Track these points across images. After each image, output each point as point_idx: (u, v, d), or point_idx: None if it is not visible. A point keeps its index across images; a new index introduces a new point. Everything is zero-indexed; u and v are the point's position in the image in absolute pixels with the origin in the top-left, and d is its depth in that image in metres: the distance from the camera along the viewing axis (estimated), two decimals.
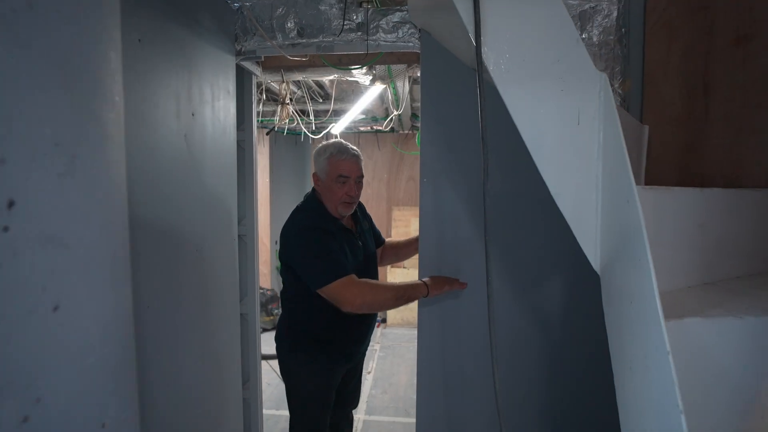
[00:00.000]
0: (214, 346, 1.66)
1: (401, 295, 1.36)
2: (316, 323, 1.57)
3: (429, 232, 1.47)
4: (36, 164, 0.43)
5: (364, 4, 1.66)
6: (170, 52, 1.31)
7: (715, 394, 0.68)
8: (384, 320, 4.65)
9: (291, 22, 1.69)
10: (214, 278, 1.64)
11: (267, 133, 4.33)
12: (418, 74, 2.01)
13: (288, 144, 5.18)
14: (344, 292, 1.35)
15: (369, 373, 3.48)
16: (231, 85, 1.72)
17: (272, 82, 2.76)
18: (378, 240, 1.83)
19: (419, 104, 3.53)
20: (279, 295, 1.71)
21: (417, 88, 3.15)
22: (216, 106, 1.59)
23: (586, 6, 1.50)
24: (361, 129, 4.81)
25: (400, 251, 1.88)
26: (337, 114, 3.73)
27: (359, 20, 1.66)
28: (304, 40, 1.70)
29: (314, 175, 1.57)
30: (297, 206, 1.59)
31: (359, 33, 1.67)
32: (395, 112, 3.42)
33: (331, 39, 1.68)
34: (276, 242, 4.92)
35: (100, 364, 0.53)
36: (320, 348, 1.59)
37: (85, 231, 0.51)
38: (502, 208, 1.41)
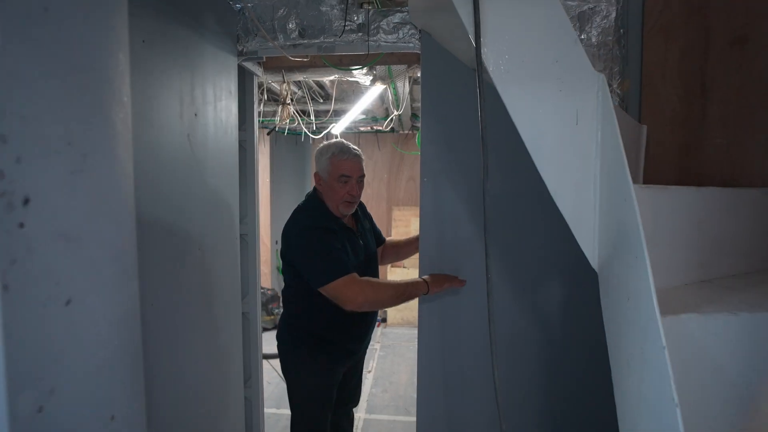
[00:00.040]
0: (216, 345, 1.68)
1: (402, 292, 1.38)
2: (317, 321, 1.58)
3: (429, 231, 1.48)
4: (50, 162, 0.45)
5: (365, 5, 1.67)
6: (173, 53, 1.32)
7: (711, 388, 0.70)
8: (384, 320, 4.67)
9: (292, 23, 1.70)
10: (216, 277, 1.65)
11: (268, 133, 4.34)
12: (419, 74, 2.03)
13: (288, 144, 5.19)
14: (346, 291, 1.37)
15: (369, 372, 3.49)
16: (233, 86, 1.73)
17: (273, 82, 2.77)
18: (379, 239, 1.84)
19: (419, 104, 3.54)
20: (280, 293, 1.72)
21: (417, 88, 3.16)
22: (218, 106, 1.60)
23: (585, 7, 1.52)
24: (362, 129, 4.82)
25: (401, 250, 1.90)
26: (338, 114, 3.75)
27: (360, 21, 1.68)
28: (305, 41, 1.71)
29: (316, 174, 1.58)
30: (298, 205, 1.60)
31: (360, 34, 1.69)
32: (395, 113, 3.43)
33: (332, 40, 1.69)
34: (276, 242, 4.94)
35: (109, 357, 0.55)
36: (321, 346, 1.60)
37: (95, 227, 0.52)
38: (502, 207, 1.42)
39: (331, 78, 2.63)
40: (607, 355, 0.81)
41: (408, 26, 1.66)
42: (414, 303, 1.45)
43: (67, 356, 0.48)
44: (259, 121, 2.12)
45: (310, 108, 3.36)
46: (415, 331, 1.51)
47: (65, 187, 0.47)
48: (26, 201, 0.42)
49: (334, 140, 1.59)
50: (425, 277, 1.40)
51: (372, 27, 1.66)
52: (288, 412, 1.70)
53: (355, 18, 1.67)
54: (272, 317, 4.36)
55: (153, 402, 1.24)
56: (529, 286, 1.47)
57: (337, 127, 4.11)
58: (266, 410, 2.47)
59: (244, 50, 1.77)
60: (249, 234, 1.99)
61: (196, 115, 1.44)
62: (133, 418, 0.60)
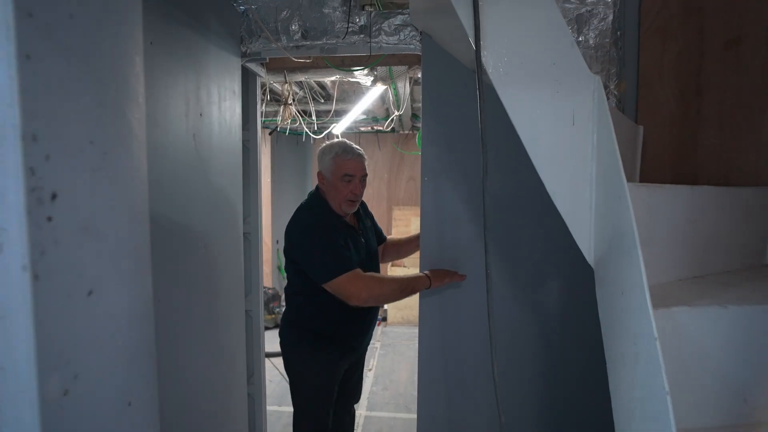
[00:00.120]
0: (220, 342, 1.70)
1: (405, 287, 1.40)
2: (320, 318, 1.61)
3: (430, 230, 1.51)
4: (74, 160, 0.48)
5: (367, 7, 1.70)
6: (179, 54, 1.35)
7: (701, 378, 0.73)
8: (384, 319, 4.69)
9: (295, 25, 1.73)
10: (220, 275, 1.68)
11: (270, 133, 4.37)
12: (419, 75, 2.06)
13: (289, 144, 5.22)
14: (350, 286, 1.39)
15: (370, 370, 3.52)
16: (237, 86, 1.76)
17: (275, 82, 2.80)
18: (380, 237, 1.87)
19: (420, 105, 3.57)
20: (283, 290, 1.74)
21: (418, 88, 3.19)
22: (222, 106, 1.63)
23: (583, 9, 1.55)
24: (362, 129, 4.85)
25: (402, 248, 1.93)
26: (339, 114, 3.77)
27: (362, 23, 1.71)
28: (308, 42, 1.74)
29: (319, 173, 1.61)
30: (301, 204, 1.63)
31: (362, 35, 1.71)
32: (396, 113, 3.46)
33: (334, 41, 1.72)
34: (277, 241, 4.96)
35: (126, 347, 0.57)
36: (323, 342, 1.63)
37: (114, 222, 0.55)
38: (502, 206, 1.45)
39: (333, 78, 2.66)
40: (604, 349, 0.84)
41: (409, 28, 1.69)
42: (414, 302, 1.48)
43: (89, 344, 0.51)
44: (261, 121, 2.15)
45: (312, 108, 3.39)
46: (415, 330, 1.54)
47: (88, 183, 0.50)
48: (54, 196, 0.45)
49: (337, 140, 1.62)
50: (426, 271, 1.43)
51: (374, 29, 1.69)
52: (290, 409, 1.72)
53: (357, 20, 1.70)
54: (273, 316, 4.39)
55: (160, 396, 1.26)
56: (529, 283, 1.50)
57: (338, 127, 4.13)
58: (268, 408, 2.50)
59: (248, 51, 1.79)
60: (252, 233, 2.02)
61: (201, 115, 1.46)
62: (147, 405, 0.63)
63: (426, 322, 1.54)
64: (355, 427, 2.29)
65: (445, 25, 1.28)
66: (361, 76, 2.37)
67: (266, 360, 3.04)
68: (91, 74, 0.51)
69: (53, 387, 0.45)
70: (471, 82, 1.13)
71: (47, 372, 0.44)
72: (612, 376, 0.78)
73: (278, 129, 4.18)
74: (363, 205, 1.77)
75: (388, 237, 1.95)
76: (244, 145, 1.93)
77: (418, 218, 1.53)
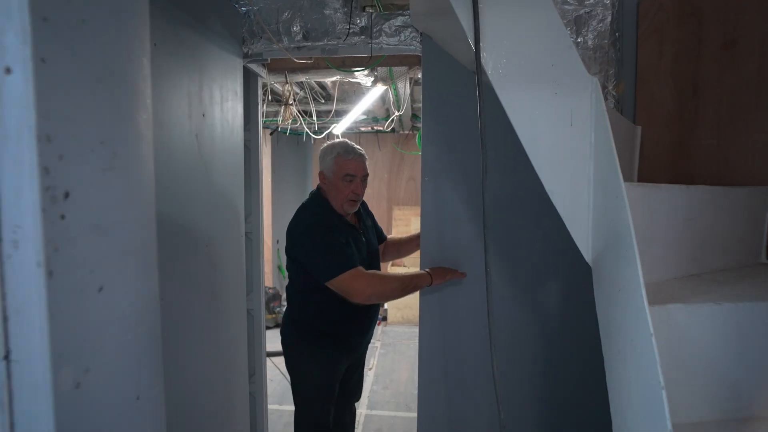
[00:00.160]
0: (221, 341, 1.72)
1: (407, 284, 1.42)
2: (321, 316, 1.62)
3: (430, 229, 1.52)
4: (86, 160, 0.49)
5: (367, 9, 1.71)
6: (183, 55, 1.36)
7: (696, 374, 0.74)
8: (384, 318, 4.71)
9: (297, 26, 1.74)
10: (222, 274, 1.69)
11: (271, 133, 4.38)
12: (419, 75, 2.07)
13: (290, 144, 5.24)
14: (353, 283, 1.41)
15: (370, 369, 3.53)
16: (238, 87, 1.77)
17: (276, 83, 2.81)
18: (380, 236, 1.88)
19: (420, 105, 3.59)
20: (285, 289, 1.76)
21: (418, 89, 3.21)
22: (225, 107, 1.64)
23: (582, 11, 1.56)
24: (362, 129, 4.86)
25: (402, 248, 1.94)
26: (339, 114, 3.79)
27: (363, 24, 1.72)
28: (309, 43, 1.76)
29: (320, 173, 1.62)
30: (302, 204, 1.64)
31: (362, 36, 1.73)
32: (396, 113, 3.48)
33: (335, 42, 1.74)
34: (278, 241, 4.98)
35: (134, 342, 0.59)
36: (325, 341, 1.64)
37: (123, 220, 0.56)
38: (502, 205, 1.46)
39: (333, 79, 2.67)
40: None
41: (409, 29, 1.70)
42: (414, 302, 1.50)
43: (100, 339, 0.52)
44: (262, 121, 2.16)
45: (312, 108, 3.41)
46: (415, 330, 1.55)
47: (98, 182, 0.51)
48: (67, 195, 0.46)
49: (338, 140, 1.63)
50: (427, 269, 1.45)
51: (374, 30, 1.71)
52: (290, 408, 1.74)
53: (358, 21, 1.72)
54: (274, 316, 4.40)
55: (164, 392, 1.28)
56: (528, 283, 1.51)
57: (339, 128, 4.15)
58: (269, 406, 2.51)
59: (249, 52, 1.81)
60: (253, 232, 2.03)
61: (203, 115, 1.48)
62: (154, 400, 0.64)
63: (426, 322, 1.55)
64: (356, 426, 2.31)
65: (445, 26, 1.29)
66: (362, 76, 2.38)
67: (267, 359, 3.06)
68: (102, 76, 0.52)
69: (66, 380, 0.47)
70: (471, 82, 1.15)
71: (60, 365, 0.46)
72: (609, 372, 0.80)
73: (279, 129, 4.19)
74: (364, 204, 1.79)
75: (389, 236, 1.97)
76: (245, 145, 1.94)
77: (418, 218, 1.54)
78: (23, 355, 0.44)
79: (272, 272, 4.93)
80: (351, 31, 1.71)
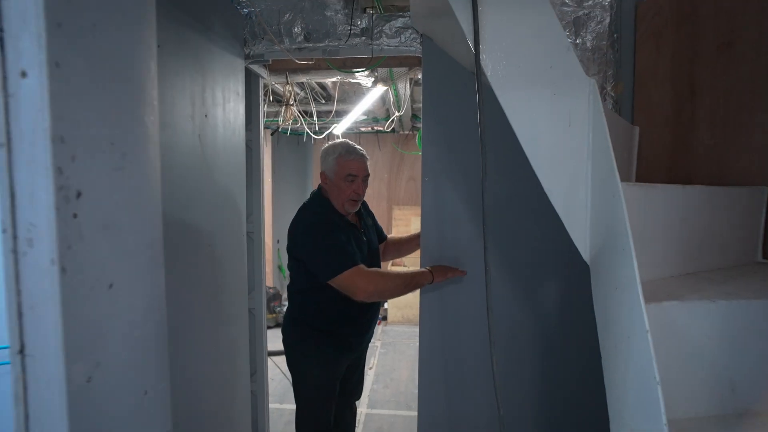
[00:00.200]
0: (223, 339, 1.73)
1: (409, 282, 1.43)
2: (322, 316, 1.64)
3: (430, 229, 1.53)
4: (97, 160, 0.51)
5: (368, 10, 1.73)
6: (186, 57, 1.38)
7: (691, 370, 0.76)
8: (385, 318, 4.72)
9: (298, 27, 1.76)
10: (225, 273, 1.71)
11: (272, 134, 4.40)
12: (419, 76, 2.08)
13: (290, 144, 5.25)
14: (355, 281, 1.42)
15: (370, 368, 3.54)
16: (240, 88, 1.79)
17: (277, 83, 2.83)
18: (381, 236, 1.90)
19: (420, 105, 3.60)
20: (286, 288, 1.77)
21: (418, 89, 3.22)
22: (227, 107, 1.66)
23: (580, 13, 1.58)
24: (362, 129, 4.88)
25: (402, 247, 1.96)
26: (340, 115, 3.80)
27: (363, 25, 1.74)
28: (310, 45, 1.77)
29: (322, 173, 1.64)
30: (304, 203, 1.66)
31: (363, 38, 1.74)
32: (396, 114, 3.49)
33: (336, 43, 1.75)
34: (278, 241, 4.99)
35: (143, 338, 0.60)
36: (326, 339, 1.66)
37: (131, 219, 0.58)
38: (501, 205, 1.47)
39: (334, 79, 2.69)
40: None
41: (410, 31, 1.72)
42: (414, 301, 1.51)
43: (110, 334, 0.53)
44: (263, 121, 2.18)
45: (313, 108, 3.42)
46: (415, 329, 1.57)
47: (109, 182, 0.53)
48: (79, 194, 0.48)
49: (339, 140, 1.65)
50: (428, 267, 1.46)
51: (375, 31, 1.72)
52: (291, 407, 1.74)
53: (359, 22, 1.73)
54: (274, 315, 4.42)
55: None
56: (528, 281, 1.52)
57: (339, 128, 4.16)
58: (270, 405, 2.53)
59: (251, 53, 1.82)
60: (255, 231, 2.05)
61: (206, 116, 1.49)
62: (161, 395, 0.66)
63: (426, 322, 1.56)
64: (357, 425, 2.32)
65: (445, 28, 1.31)
66: (362, 77, 2.40)
67: (268, 358, 3.07)
68: (111, 79, 0.54)
69: (78, 374, 0.48)
70: (471, 83, 1.16)
71: (73, 360, 0.47)
72: (606, 368, 0.81)
73: (279, 129, 4.21)
74: (364, 204, 1.80)
75: (389, 236, 1.98)
76: (247, 146, 1.95)
77: (418, 218, 1.55)
78: (37, 350, 0.45)
79: (272, 272, 4.95)
80: (352, 32, 1.73)
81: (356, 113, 3.62)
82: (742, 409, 0.77)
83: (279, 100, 3.36)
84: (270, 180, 4.74)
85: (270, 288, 4.59)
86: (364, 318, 1.70)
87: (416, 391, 1.61)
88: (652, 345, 0.66)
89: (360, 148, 1.64)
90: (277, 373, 3.29)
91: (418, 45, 1.72)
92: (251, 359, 2.07)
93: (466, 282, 1.51)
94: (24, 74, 0.43)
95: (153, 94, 0.64)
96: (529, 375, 1.54)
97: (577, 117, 0.92)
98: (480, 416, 1.58)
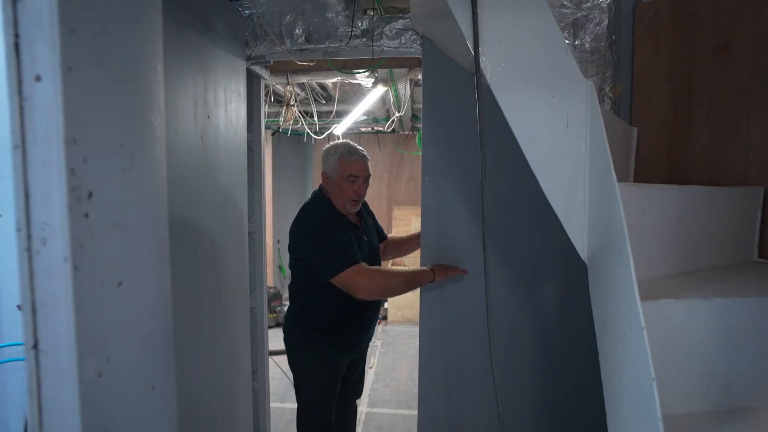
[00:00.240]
0: (225, 338, 1.75)
1: (410, 280, 1.44)
2: (323, 315, 1.65)
3: (430, 228, 1.55)
4: (107, 162, 0.52)
5: (369, 12, 1.74)
6: (188, 58, 1.39)
7: (686, 366, 0.77)
8: (385, 318, 4.74)
9: (299, 29, 1.77)
10: (226, 272, 1.72)
11: (273, 134, 4.42)
12: (419, 77, 2.10)
13: (290, 145, 5.26)
14: (357, 279, 1.43)
15: (371, 368, 3.56)
16: (242, 89, 1.80)
17: (277, 84, 2.84)
18: (381, 235, 1.91)
19: (420, 106, 3.62)
20: (288, 288, 1.78)
21: (418, 90, 3.23)
22: (229, 108, 1.67)
23: (579, 14, 1.59)
24: (363, 130, 4.89)
25: (402, 246, 1.97)
26: (340, 115, 3.82)
27: (364, 27, 1.75)
28: (311, 46, 1.78)
29: (324, 173, 1.65)
30: (305, 203, 1.67)
31: (364, 39, 1.76)
32: (397, 114, 3.51)
33: (337, 45, 1.77)
34: (278, 241, 5.01)
35: (150, 335, 0.62)
36: (327, 338, 1.67)
37: (139, 219, 0.59)
38: (501, 205, 1.48)
39: (334, 80, 2.70)
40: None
41: (410, 32, 1.73)
42: (414, 301, 1.52)
43: (120, 331, 0.55)
44: (264, 122, 2.19)
45: (314, 109, 3.44)
46: (415, 329, 1.58)
47: (118, 182, 0.54)
48: (90, 194, 0.49)
49: (341, 141, 1.66)
50: (430, 266, 1.47)
51: (376, 33, 1.74)
52: (292, 406, 1.76)
53: (360, 24, 1.74)
54: (275, 315, 4.43)
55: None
56: (527, 281, 1.53)
57: (339, 128, 4.18)
58: (271, 404, 2.54)
59: (253, 54, 1.84)
60: (256, 231, 2.06)
61: (208, 117, 1.51)
62: (167, 390, 0.67)
63: (426, 321, 1.57)
64: (357, 423, 2.34)
65: (445, 30, 1.32)
66: (363, 78, 2.41)
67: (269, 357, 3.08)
68: (120, 82, 0.55)
69: (89, 369, 0.49)
70: (470, 84, 1.17)
71: (85, 355, 0.49)
72: (603, 365, 0.83)
73: (280, 130, 4.22)
74: (364, 204, 1.82)
75: (389, 235, 1.99)
76: (248, 146, 1.97)
77: (418, 218, 1.56)
78: (51, 345, 0.47)
79: (273, 272, 4.96)
80: (353, 34, 1.74)
81: (357, 114, 3.64)
82: (737, 405, 0.79)
83: (280, 100, 3.37)
84: (270, 180, 4.75)
85: (270, 288, 4.60)
86: (364, 317, 1.71)
87: (416, 390, 1.62)
88: (647, 342, 0.67)
89: (361, 148, 1.66)
90: (278, 372, 3.30)
91: (419, 46, 1.73)
92: (252, 358, 2.09)
93: (466, 281, 1.52)
94: (38, 78, 0.44)
95: (159, 96, 0.66)
96: (529, 374, 1.55)
97: (575, 118, 0.93)
98: (480, 415, 1.59)
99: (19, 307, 0.94)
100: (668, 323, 0.77)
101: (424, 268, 1.46)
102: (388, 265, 4.57)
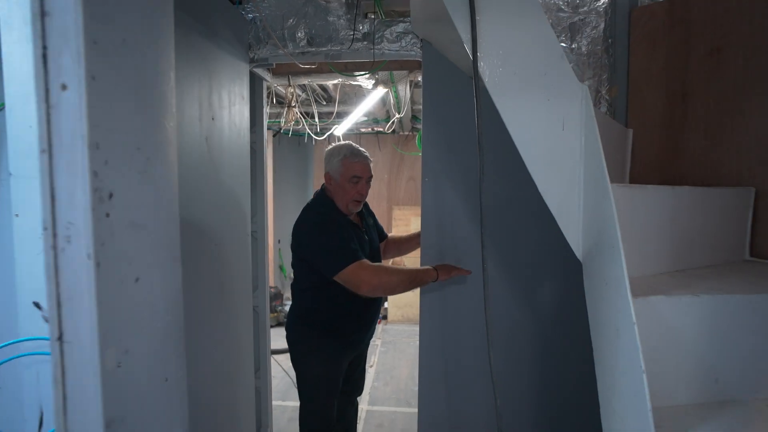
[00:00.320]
0: (229, 336, 1.78)
1: (413, 278, 1.46)
2: (325, 313, 1.68)
3: (430, 228, 1.57)
4: (126, 164, 0.55)
5: (370, 15, 1.77)
6: (194, 62, 1.42)
7: (676, 360, 0.80)
8: (385, 317, 4.77)
9: (301, 32, 1.81)
10: (230, 271, 1.75)
11: (274, 135, 4.45)
12: (419, 78, 2.13)
13: (291, 145, 5.30)
14: (360, 274, 1.45)
15: (371, 366, 3.59)
16: (245, 91, 1.83)
17: (279, 85, 2.87)
18: (381, 234, 1.94)
19: (419, 107, 3.65)
20: (290, 287, 1.81)
21: (418, 91, 3.27)
22: (232, 110, 1.70)
23: (576, 18, 1.62)
24: (363, 130, 4.93)
25: (402, 245, 2.00)
26: (340, 116, 3.85)
27: (365, 30, 1.78)
28: (313, 49, 1.82)
29: (326, 174, 1.68)
30: (308, 203, 1.70)
31: (365, 42, 1.79)
32: (397, 115, 3.54)
33: (338, 48, 1.80)
34: (279, 241, 5.04)
35: (164, 329, 0.65)
36: (329, 336, 1.70)
37: (154, 218, 0.62)
38: (501, 205, 1.50)
39: (335, 82, 2.73)
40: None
41: (410, 36, 1.76)
42: (414, 300, 1.53)
43: (136, 324, 0.58)
44: (266, 123, 2.22)
45: (314, 110, 3.47)
46: (415, 328, 1.60)
47: (135, 184, 0.57)
48: (111, 195, 0.52)
49: (344, 143, 1.69)
50: (434, 265, 1.49)
51: (376, 36, 1.77)
52: (293, 404, 1.78)
53: (361, 27, 1.78)
54: (275, 314, 4.46)
55: None
56: (527, 280, 1.55)
57: (340, 129, 4.21)
58: (273, 402, 2.57)
59: (255, 57, 1.87)
60: (258, 231, 2.09)
61: (213, 119, 1.54)
62: (179, 382, 0.70)
63: (427, 321, 1.58)
64: (358, 420, 2.37)
65: (444, 34, 1.35)
66: (363, 79, 2.44)
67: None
68: (137, 89, 0.58)
69: (110, 359, 0.53)
70: (469, 86, 1.20)
71: (106, 346, 0.52)
72: (597, 359, 0.86)
73: (281, 130, 4.25)
74: (365, 204, 1.85)
75: (390, 234, 2.03)
76: (251, 147, 2.00)
77: (418, 218, 1.58)
78: (74, 337, 0.50)
79: (273, 272, 5.00)
80: (354, 37, 1.77)
81: (357, 114, 3.67)
82: (725, 398, 0.82)
83: (281, 101, 3.40)
84: (271, 181, 4.79)
85: (271, 287, 4.64)
86: (366, 315, 1.74)
87: (416, 388, 1.63)
88: (638, 337, 0.70)
89: (363, 150, 1.69)
90: (279, 370, 3.33)
91: (419, 49, 1.76)
92: (255, 356, 2.12)
93: (466, 281, 1.54)
94: (64, 87, 0.47)
95: (172, 102, 0.69)
96: (529, 373, 1.56)
97: (571, 121, 0.96)
98: (479, 414, 1.61)
99: (35, 304, 0.97)
100: (659, 319, 0.80)
101: (428, 267, 1.47)
102: (389, 263, 4.60)
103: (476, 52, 0.97)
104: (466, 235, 1.55)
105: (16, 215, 0.98)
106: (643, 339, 0.70)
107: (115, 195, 0.53)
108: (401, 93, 2.98)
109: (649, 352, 0.76)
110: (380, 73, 2.52)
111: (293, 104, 3.04)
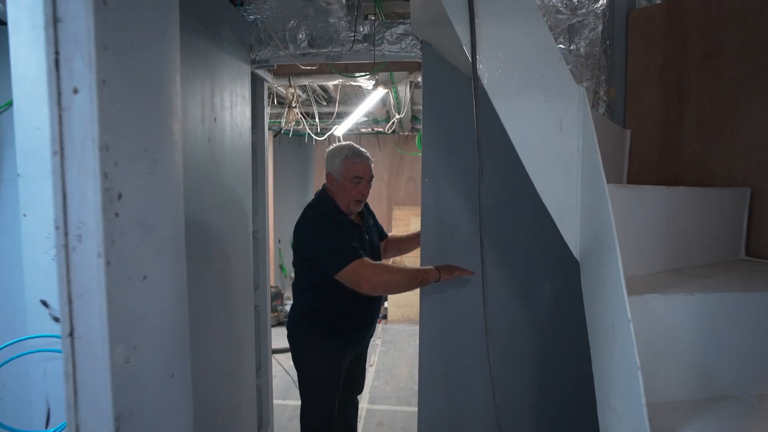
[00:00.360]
0: (231, 335, 1.79)
1: (415, 277, 1.46)
2: (326, 312, 1.70)
3: (430, 228, 1.58)
4: (134, 166, 0.57)
5: (370, 17, 1.79)
6: (196, 63, 1.44)
7: (671, 357, 0.82)
8: (385, 317, 4.79)
9: (302, 33, 1.82)
10: (232, 271, 1.77)
11: (275, 135, 4.46)
12: (419, 79, 2.14)
13: (291, 146, 5.31)
14: (361, 272, 1.46)
15: (371, 366, 3.61)
16: (246, 92, 1.85)
17: (279, 86, 2.89)
18: (381, 234, 1.96)
19: (419, 107, 3.67)
20: (292, 286, 1.82)
21: (418, 91, 3.28)
22: (234, 111, 1.72)
23: (574, 20, 1.64)
24: (363, 130, 4.94)
25: (402, 245, 2.02)
26: (341, 116, 3.87)
27: (366, 32, 1.80)
28: (314, 50, 1.83)
29: (328, 174, 1.69)
30: (309, 203, 1.72)
31: (365, 44, 1.81)
32: (397, 116, 3.55)
33: (339, 49, 1.81)
34: (279, 241, 5.06)
35: (171, 325, 0.66)
36: (330, 334, 1.72)
37: (161, 218, 0.64)
38: (500, 205, 1.51)
39: (336, 82, 2.75)
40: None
41: (410, 37, 1.78)
42: (414, 300, 1.53)
43: (144, 321, 0.60)
44: (267, 124, 2.24)
45: (315, 110, 3.48)
46: (415, 328, 1.60)
47: (144, 185, 0.59)
48: (120, 196, 0.54)
49: (345, 143, 1.71)
50: (436, 265, 1.50)
51: (377, 37, 1.79)
52: (294, 403, 1.79)
53: (361, 29, 1.79)
54: (276, 314, 4.48)
55: None
56: (526, 280, 1.56)
57: (340, 129, 4.22)
58: (274, 401, 2.59)
59: (257, 58, 1.88)
60: (260, 231, 2.11)
61: (215, 120, 1.55)
62: (185, 378, 0.72)
63: (426, 320, 1.59)
64: (358, 419, 2.38)
65: (444, 36, 1.36)
66: (363, 80, 2.46)
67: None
68: (145, 92, 0.60)
69: (119, 355, 0.54)
70: (469, 87, 1.21)
71: (115, 342, 0.53)
72: (594, 356, 0.87)
73: (282, 131, 4.27)
74: (366, 204, 1.86)
75: (390, 234, 2.04)
76: (252, 148, 2.02)
77: (418, 218, 1.59)
78: (85, 333, 0.52)
79: (274, 271, 5.01)
80: (355, 38, 1.79)
81: (357, 115, 3.69)
82: (719, 394, 0.83)
83: (282, 102, 3.42)
84: (271, 181, 4.80)
85: (272, 287, 4.65)
86: (367, 314, 1.76)
87: (416, 387, 1.64)
88: (633, 334, 0.72)
89: (365, 150, 1.71)
90: (280, 370, 3.35)
91: (419, 51, 1.78)
92: (257, 355, 2.13)
93: (466, 281, 1.55)
94: (76, 91, 0.49)
95: (178, 104, 0.70)
96: (528, 373, 1.56)
97: (568, 123, 0.98)
98: (479, 413, 1.62)
99: (42, 302, 0.98)
100: (654, 317, 0.82)
101: (430, 267, 1.47)
102: (389, 263, 4.61)
103: (475, 54, 0.99)
104: (466, 235, 1.56)
105: (24, 215, 0.99)
106: (639, 336, 0.72)
107: (125, 195, 0.54)
108: (401, 94, 2.99)
109: (645, 349, 0.78)
110: (380, 74, 2.53)
111: (294, 105, 3.06)
